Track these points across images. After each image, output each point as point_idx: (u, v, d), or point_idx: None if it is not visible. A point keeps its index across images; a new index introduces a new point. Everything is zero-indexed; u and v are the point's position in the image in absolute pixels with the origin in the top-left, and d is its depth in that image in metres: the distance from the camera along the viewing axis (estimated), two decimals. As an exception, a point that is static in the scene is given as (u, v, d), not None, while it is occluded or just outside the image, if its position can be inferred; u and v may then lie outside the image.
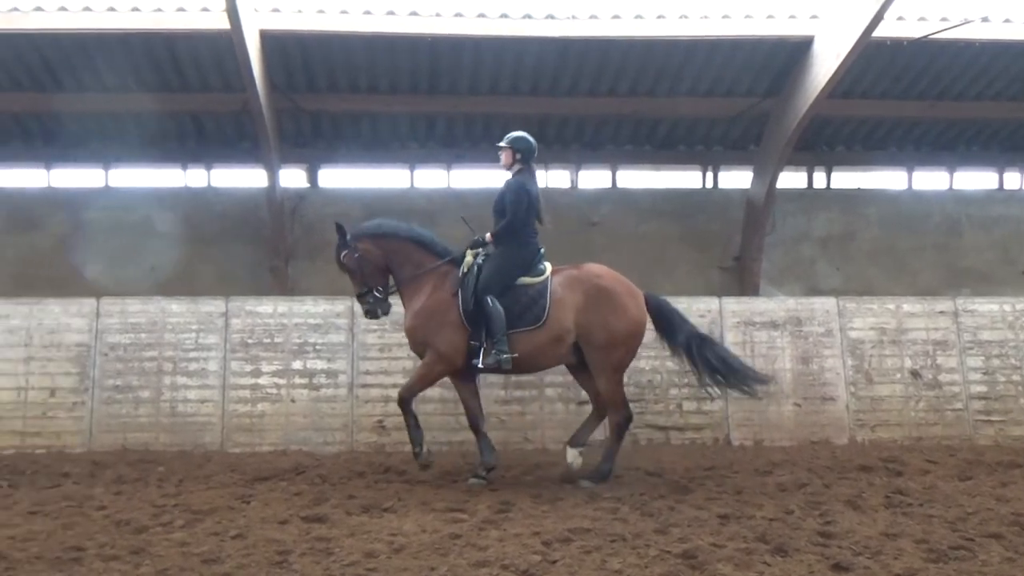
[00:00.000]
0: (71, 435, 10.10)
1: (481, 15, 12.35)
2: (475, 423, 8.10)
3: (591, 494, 7.20)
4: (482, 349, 7.72)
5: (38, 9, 11.93)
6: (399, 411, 8.02)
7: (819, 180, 16.16)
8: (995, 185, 16.36)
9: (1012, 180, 16.39)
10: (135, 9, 11.96)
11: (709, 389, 8.39)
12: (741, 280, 15.12)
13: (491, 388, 10.29)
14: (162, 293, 11.24)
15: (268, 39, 12.38)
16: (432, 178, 15.65)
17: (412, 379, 8.13)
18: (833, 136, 15.60)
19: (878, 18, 11.28)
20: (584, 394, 8.75)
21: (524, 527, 5.85)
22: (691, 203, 15.67)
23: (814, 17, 12.73)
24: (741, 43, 12.93)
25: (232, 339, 10.47)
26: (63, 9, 11.94)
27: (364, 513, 6.46)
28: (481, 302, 7.72)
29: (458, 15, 12.33)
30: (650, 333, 8.39)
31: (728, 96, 14.21)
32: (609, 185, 15.86)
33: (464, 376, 8.15)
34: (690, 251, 15.47)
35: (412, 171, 15.61)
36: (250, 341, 10.47)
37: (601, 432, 8.52)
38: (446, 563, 4.98)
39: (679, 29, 12.62)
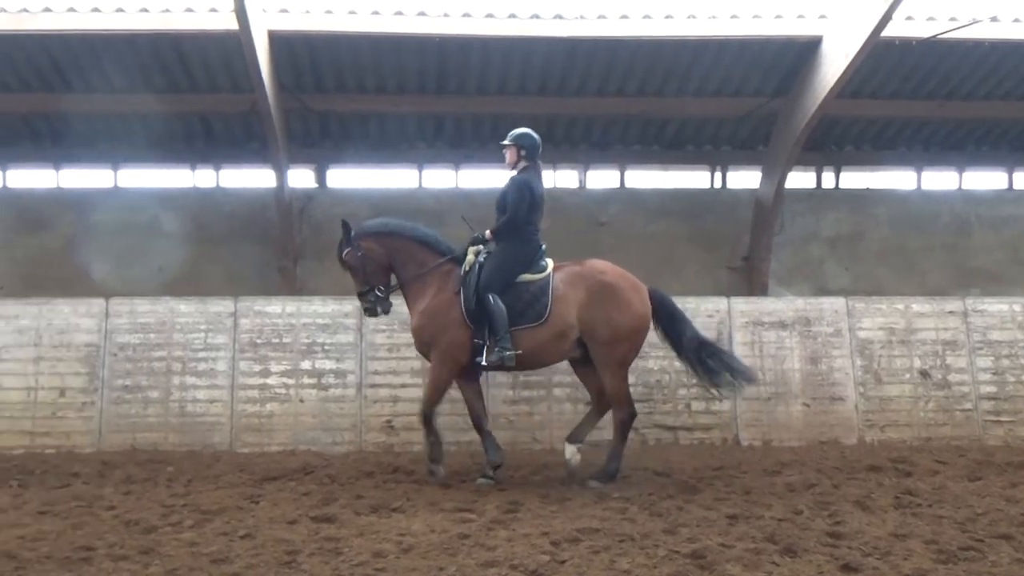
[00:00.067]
0: (80, 435, 10.12)
1: (489, 15, 12.37)
2: (479, 423, 8.11)
3: (599, 494, 7.18)
4: (485, 347, 7.73)
5: (47, 10, 11.99)
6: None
7: (828, 180, 16.14)
8: (1004, 185, 16.32)
9: (1021, 180, 16.35)
10: (143, 10, 12.01)
11: (713, 391, 8.39)
12: (750, 280, 15.10)
13: (499, 388, 10.30)
14: (171, 293, 11.26)
15: (276, 39, 12.42)
16: (440, 178, 15.68)
17: (427, 391, 8.15)
18: (842, 136, 15.58)
19: (887, 18, 11.26)
20: (594, 394, 8.75)
21: (533, 527, 5.84)
22: (699, 203, 15.66)
23: (823, 17, 12.72)
24: (749, 43, 12.92)
25: (241, 339, 10.48)
26: (72, 10, 12.00)
27: (373, 513, 6.46)
28: (483, 300, 7.72)
29: (466, 15, 12.35)
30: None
31: (737, 96, 14.20)
32: (617, 185, 15.87)
33: (468, 375, 8.14)
34: (698, 251, 15.45)
35: (420, 171, 15.64)
36: (259, 341, 10.48)
37: (599, 434, 8.53)
38: (455, 563, 4.98)
39: (687, 29, 12.62)
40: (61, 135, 14.79)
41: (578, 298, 7.82)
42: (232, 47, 12.02)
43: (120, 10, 11.99)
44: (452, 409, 9.28)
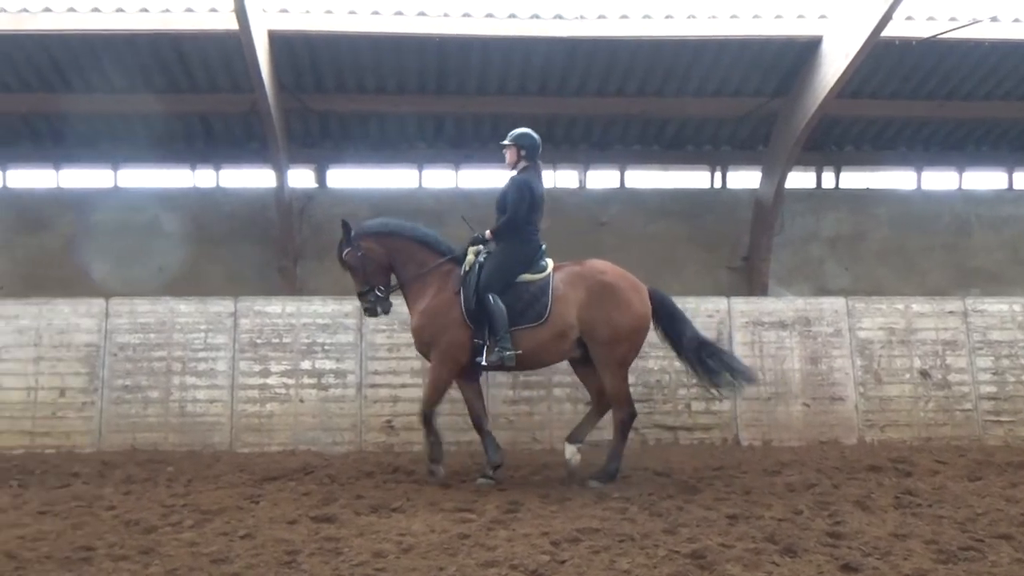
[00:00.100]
0: (80, 435, 10.12)
1: (489, 15, 12.37)
2: (478, 422, 8.12)
3: (600, 494, 7.18)
4: (485, 347, 7.73)
5: (47, 10, 11.99)
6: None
7: (828, 180, 16.14)
8: (1004, 185, 16.32)
9: (1021, 180, 16.35)
10: (143, 10, 12.02)
11: (713, 391, 8.39)
12: (750, 280, 15.10)
13: (499, 388, 10.30)
14: (170, 293, 11.25)
15: (276, 39, 12.42)
16: (440, 178, 15.67)
17: (427, 391, 8.16)
18: (842, 136, 15.58)
19: (887, 18, 11.27)
20: (594, 394, 8.75)
21: (533, 527, 5.84)
22: (700, 203, 15.66)
23: (823, 17, 12.73)
24: (749, 43, 12.92)
25: (241, 339, 10.48)
26: (72, 10, 12.00)
27: (373, 513, 6.46)
28: (483, 300, 7.72)
29: (466, 15, 12.35)
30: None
31: (736, 96, 14.20)
32: (617, 185, 15.87)
33: (468, 375, 8.15)
34: (699, 251, 15.45)
35: (420, 171, 15.64)
36: (259, 341, 10.48)
37: (599, 434, 8.53)
38: (455, 563, 4.98)
39: (687, 29, 12.62)
40: (61, 135, 14.80)
41: (578, 298, 7.82)
42: (232, 47, 12.02)
43: (120, 10, 11.99)
44: (452, 409, 9.28)
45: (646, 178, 16.01)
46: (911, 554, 5.15)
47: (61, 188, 15.20)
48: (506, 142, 8.15)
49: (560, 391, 10.33)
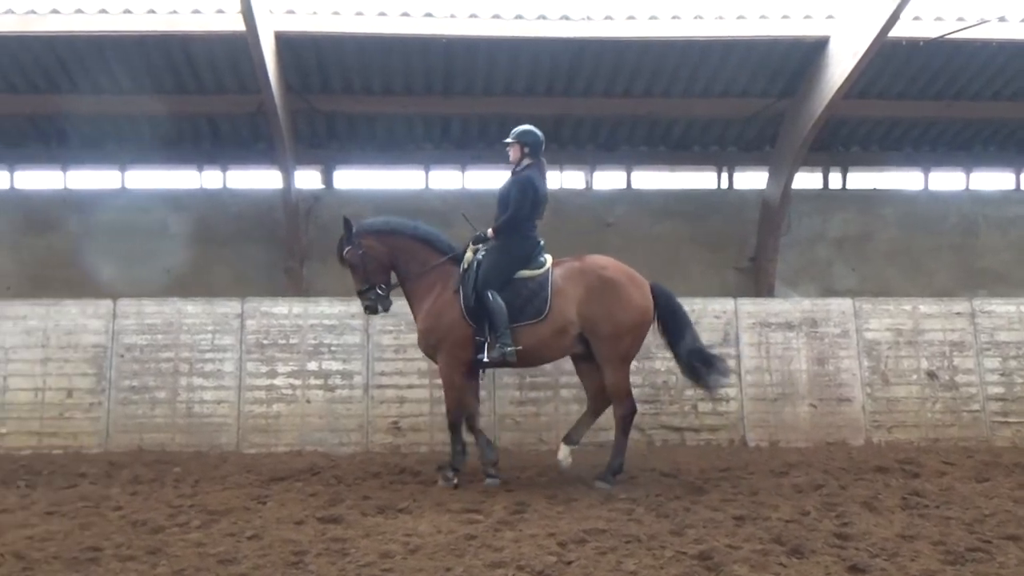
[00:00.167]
0: (88, 436, 10.15)
1: (496, 16, 12.34)
2: (471, 421, 8.13)
3: (606, 495, 7.19)
4: (486, 344, 7.73)
5: (54, 12, 11.99)
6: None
7: (835, 181, 16.08)
8: (1012, 186, 16.25)
9: (1029, 181, 16.29)
10: (151, 11, 12.02)
11: (702, 390, 8.42)
12: (756, 281, 15.07)
13: (506, 390, 10.31)
14: (178, 294, 11.27)
15: (283, 41, 12.42)
16: (447, 179, 15.66)
17: (446, 400, 8.13)
18: (849, 136, 15.54)
19: (894, 18, 11.24)
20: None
21: (539, 528, 5.85)
22: (706, 204, 15.62)
23: (830, 17, 12.69)
24: (756, 43, 12.89)
25: (248, 340, 10.50)
26: (79, 11, 12.00)
27: (379, 514, 6.47)
28: (482, 297, 7.73)
29: (473, 16, 12.33)
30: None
31: (743, 97, 14.17)
32: (624, 186, 15.83)
33: (467, 374, 8.14)
34: (705, 252, 15.42)
35: (427, 172, 15.62)
36: (265, 342, 10.50)
37: (602, 435, 8.52)
38: (461, 564, 4.98)
39: (694, 30, 12.58)
40: (68, 136, 14.81)
41: (577, 294, 7.83)
42: (239, 48, 12.02)
43: (127, 11, 12.00)
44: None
45: (653, 179, 15.97)
46: (918, 555, 5.14)
47: (68, 189, 15.21)
48: (509, 139, 8.18)
49: (567, 392, 10.31)
